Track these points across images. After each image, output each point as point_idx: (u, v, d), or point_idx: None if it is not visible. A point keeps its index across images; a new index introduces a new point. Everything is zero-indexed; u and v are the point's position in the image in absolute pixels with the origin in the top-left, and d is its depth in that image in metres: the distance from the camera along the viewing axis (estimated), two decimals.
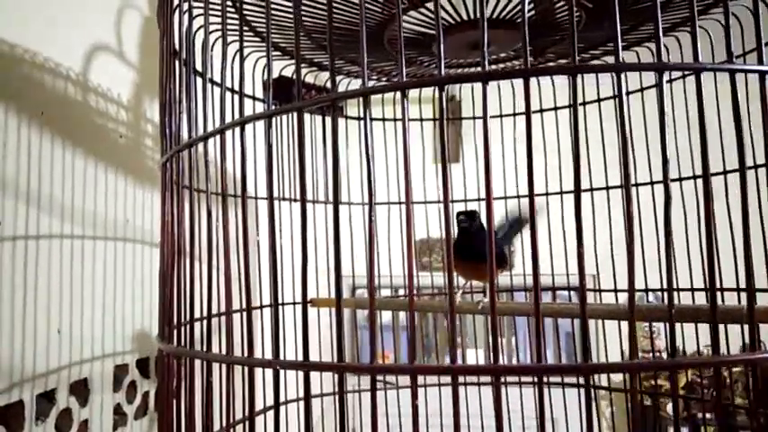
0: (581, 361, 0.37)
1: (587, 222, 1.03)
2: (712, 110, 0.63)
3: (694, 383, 2.01)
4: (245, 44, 0.87)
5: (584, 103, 1.14)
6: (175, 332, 0.57)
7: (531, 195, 0.41)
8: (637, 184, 1.06)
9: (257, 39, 0.92)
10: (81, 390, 0.89)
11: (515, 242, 1.07)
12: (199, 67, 0.62)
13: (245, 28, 0.87)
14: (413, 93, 0.56)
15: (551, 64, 1.07)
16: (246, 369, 0.47)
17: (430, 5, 0.77)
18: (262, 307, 1.05)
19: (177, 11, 0.60)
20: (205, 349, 0.54)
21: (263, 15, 0.82)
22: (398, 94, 0.42)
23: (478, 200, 1.25)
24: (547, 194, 1.19)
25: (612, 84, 0.40)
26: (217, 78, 0.58)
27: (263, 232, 1.25)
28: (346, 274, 0.93)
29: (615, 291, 1.15)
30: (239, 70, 0.53)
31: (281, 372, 0.45)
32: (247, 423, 0.45)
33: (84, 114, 0.94)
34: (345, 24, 0.84)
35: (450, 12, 0.81)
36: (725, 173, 0.94)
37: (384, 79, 1.15)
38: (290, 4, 0.76)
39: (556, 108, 1.20)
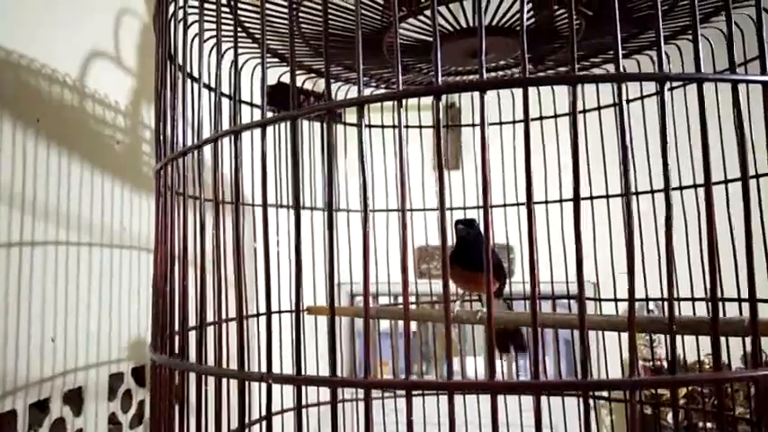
0: (580, 376, 0.36)
1: (588, 231, 1.03)
2: (714, 118, 0.62)
3: (695, 393, 1.99)
4: (242, 51, 0.87)
5: (584, 111, 1.13)
6: (168, 342, 0.56)
7: (528, 203, 0.41)
8: (637, 193, 1.05)
9: (254, 45, 0.91)
10: (75, 399, 0.88)
11: (515, 250, 1.07)
12: (195, 73, 0.62)
13: (242, 34, 0.87)
14: (412, 100, 0.55)
15: (551, 72, 1.06)
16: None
17: (428, 13, 0.77)
18: (258, 315, 1.05)
19: (173, 18, 0.60)
20: (198, 360, 0.53)
21: (259, 22, 0.82)
22: (396, 103, 0.42)
23: (478, 207, 1.24)
24: (546, 202, 1.18)
25: (613, 92, 0.40)
26: (212, 85, 0.57)
27: (259, 240, 1.24)
28: (344, 281, 0.92)
29: (615, 300, 1.14)
30: (234, 77, 0.52)
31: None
32: None
33: (81, 120, 0.94)
34: (343, 31, 0.83)
35: (450, 19, 0.81)
36: (726, 182, 0.94)
37: (383, 86, 1.14)
38: (287, 11, 0.76)
39: (556, 116, 1.19)
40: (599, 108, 1.12)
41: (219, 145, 0.51)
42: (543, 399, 0.36)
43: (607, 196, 1.13)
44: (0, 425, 0.74)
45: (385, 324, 2.53)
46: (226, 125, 0.52)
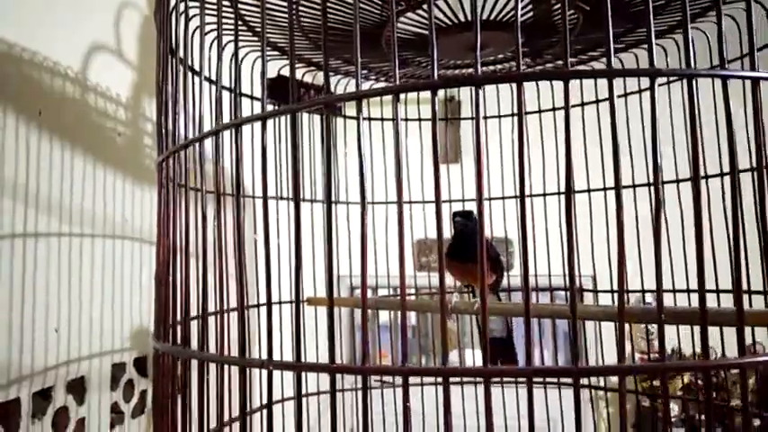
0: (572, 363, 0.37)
1: (585, 223, 1.04)
2: (709, 113, 0.63)
3: (692, 384, 2.01)
4: (243, 44, 0.87)
5: (582, 104, 1.14)
6: (171, 331, 0.57)
7: (522, 196, 0.42)
8: (634, 186, 1.06)
9: (255, 38, 0.92)
10: (78, 388, 0.90)
11: (513, 244, 1.08)
12: (196, 66, 0.62)
13: (243, 27, 0.87)
14: (411, 93, 0.56)
15: (549, 66, 1.07)
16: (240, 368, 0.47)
17: (426, 7, 0.77)
18: (258, 306, 1.06)
19: (174, 10, 0.61)
20: (200, 348, 0.54)
21: (259, 15, 0.82)
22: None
23: (477, 200, 1.24)
24: (544, 195, 1.19)
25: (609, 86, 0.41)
26: (214, 78, 0.58)
27: (260, 231, 1.25)
28: (344, 273, 0.93)
29: (612, 291, 1.15)
30: (235, 70, 0.53)
31: (275, 371, 0.45)
32: (241, 422, 0.45)
33: (83, 113, 0.95)
34: (342, 25, 0.84)
35: (447, 13, 0.81)
36: (722, 175, 0.95)
37: (382, 79, 1.15)
38: (286, 4, 0.76)
39: (554, 109, 1.20)
40: (596, 102, 1.13)
41: (221, 138, 0.52)
42: (541, 393, 0.37)
43: (605, 189, 1.14)
44: (5, 413, 0.76)
45: (384, 317, 2.55)
46: (226, 118, 0.53)
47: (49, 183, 0.85)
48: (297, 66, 1.06)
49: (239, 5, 0.78)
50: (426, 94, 0.58)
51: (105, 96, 0.99)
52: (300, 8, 0.80)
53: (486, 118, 1.18)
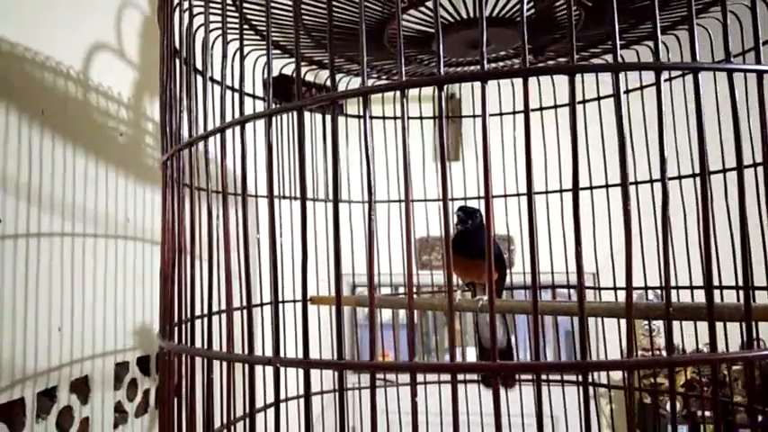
0: (579, 358, 0.37)
1: (587, 221, 1.04)
2: (712, 107, 0.63)
3: (694, 381, 2.01)
4: (246, 42, 0.87)
5: (584, 101, 1.14)
6: (176, 330, 0.58)
7: (529, 194, 0.42)
8: (636, 183, 1.06)
9: (258, 37, 0.92)
10: (82, 387, 0.90)
11: (515, 241, 1.08)
12: (199, 65, 0.62)
13: (246, 26, 0.87)
14: (413, 91, 0.56)
15: (551, 62, 1.07)
16: (247, 366, 0.47)
17: (430, 4, 0.77)
18: (262, 305, 1.06)
19: (177, 9, 0.61)
20: (206, 347, 0.54)
21: (263, 13, 0.82)
22: (398, 93, 0.43)
23: (479, 198, 1.25)
24: (546, 192, 1.19)
25: (612, 82, 0.41)
26: (217, 77, 0.58)
27: (263, 230, 1.25)
28: (346, 272, 0.93)
29: (615, 289, 1.15)
30: (239, 69, 0.53)
31: (282, 369, 0.45)
32: (248, 420, 0.45)
33: (85, 112, 0.95)
34: (346, 23, 0.84)
35: (450, 10, 0.81)
36: (724, 171, 0.95)
37: (384, 77, 1.15)
38: (290, 3, 0.76)
39: (556, 106, 1.20)
40: (599, 98, 1.13)
41: (226, 135, 0.52)
42: (544, 390, 0.37)
43: (606, 186, 1.14)
44: (9, 412, 0.76)
45: (386, 316, 2.55)
46: (230, 117, 0.53)
47: (52, 182, 0.85)
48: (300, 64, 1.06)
49: (243, 3, 0.78)
50: (427, 92, 0.58)
51: (107, 96, 0.99)
52: (303, 6, 0.80)
53: (489, 115, 1.18)
